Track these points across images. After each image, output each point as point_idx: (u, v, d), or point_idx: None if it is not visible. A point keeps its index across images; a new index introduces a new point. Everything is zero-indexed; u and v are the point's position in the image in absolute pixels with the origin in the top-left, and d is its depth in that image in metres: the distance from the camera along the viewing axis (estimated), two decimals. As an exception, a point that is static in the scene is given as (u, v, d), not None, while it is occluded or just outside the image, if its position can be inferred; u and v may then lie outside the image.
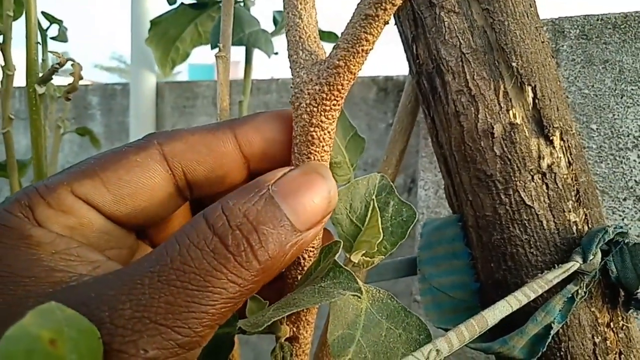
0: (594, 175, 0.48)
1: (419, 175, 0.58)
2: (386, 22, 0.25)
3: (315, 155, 0.29)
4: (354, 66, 0.27)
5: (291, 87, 0.29)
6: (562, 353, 0.35)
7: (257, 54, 0.79)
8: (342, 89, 0.27)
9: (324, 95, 0.28)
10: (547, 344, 0.34)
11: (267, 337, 1.02)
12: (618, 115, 0.47)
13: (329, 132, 0.29)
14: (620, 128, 0.47)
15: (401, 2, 0.24)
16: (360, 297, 0.28)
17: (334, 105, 0.28)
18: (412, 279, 0.67)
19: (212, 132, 0.24)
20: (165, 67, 1.01)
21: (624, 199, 0.47)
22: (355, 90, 0.86)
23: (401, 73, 0.82)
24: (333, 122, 0.29)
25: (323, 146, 0.29)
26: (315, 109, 0.28)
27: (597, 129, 0.47)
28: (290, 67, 0.29)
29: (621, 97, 0.46)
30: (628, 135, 0.46)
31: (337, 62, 0.26)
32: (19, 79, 0.73)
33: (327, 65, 0.27)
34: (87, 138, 0.98)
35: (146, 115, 1.05)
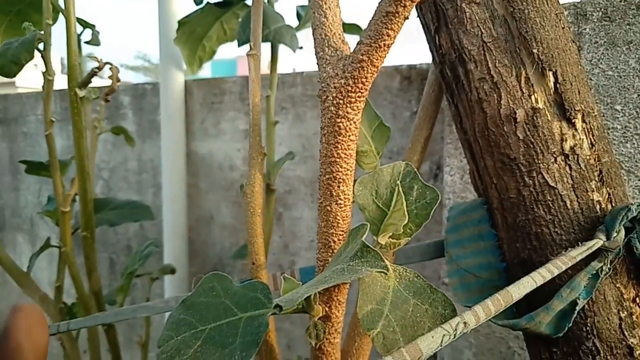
0: (619, 155, 0.49)
1: (445, 162, 0.59)
2: (406, 18, 0.27)
3: (342, 144, 0.31)
4: (376, 60, 0.28)
5: (318, 82, 0.31)
6: (588, 328, 0.36)
7: (280, 48, 0.80)
8: (366, 81, 0.29)
9: (349, 88, 0.29)
10: (572, 319, 0.35)
11: (299, 324, 1.04)
12: (643, 96, 0.47)
13: (354, 122, 0.31)
14: (645, 108, 0.47)
15: (420, -3, 0.26)
16: (386, 274, 0.30)
17: (358, 97, 0.30)
18: (440, 263, 0.68)
19: None
20: (193, 65, 1.04)
21: (651, 179, 0.47)
22: (379, 79, 0.87)
23: (424, 61, 0.83)
24: (358, 113, 0.31)
25: (349, 136, 0.31)
26: (341, 101, 0.30)
27: (621, 109, 0.48)
28: (317, 63, 0.31)
29: (645, 77, 0.47)
30: (653, 115, 0.47)
31: (361, 57, 0.28)
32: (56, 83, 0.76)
33: (352, 60, 0.29)
34: (121, 137, 1.02)
35: (176, 113, 1.08)
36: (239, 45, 0.78)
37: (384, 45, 0.28)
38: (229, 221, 1.08)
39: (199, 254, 1.13)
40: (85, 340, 0.79)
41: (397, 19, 0.27)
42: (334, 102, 0.30)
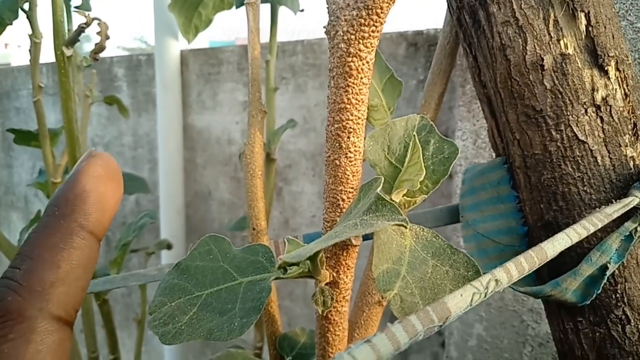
0: (647, 115, 0.45)
1: (457, 126, 0.56)
2: None
3: (354, 88, 0.28)
4: (395, -16, 0.25)
5: (328, 18, 0.28)
6: (617, 295, 0.33)
7: (282, 13, 0.76)
8: (382, 12, 0.26)
9: (362, 21, 0.26)
10: (601, 285, 0.32)
11: (300, 301, 1.02)
12: (674, 49, 0.43)
13: (367, 62, 0.27)
14: (676, 63, 0.43)
15: None
16: (405, 227, 0.27)
17: (372, 32, 0.26)
18: (454, 229, 0.65)
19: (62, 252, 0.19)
20: (188, 34, 0.99)
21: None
22: (383, 46, 0.83)
23: (432, 27, 0.79)
24: (372, 50, 0.27)
25: (362, 78, 0.28)
26: (352, 37, 0.26)
27: (650, 65, 0.44)
28: (326, -7, 0.27)
29: (678, 29, 0.43)
30: (685, 71, 0.43)
31: (377, -19, 0.25)
32: (46, 54, 0.73)
33: (366, -14, 0.25)
34: (115, 111, 0.98)
35: (172, 84, 1.04)
36: (237, 7, 0.73)
37: (403, -33, 0.24)
38: (227, 197, 1.05)
39: (197, 230, 1.10)
40: (80, 317, 0.77)
41: None
42: (345, 37, 0.27)
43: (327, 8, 0.27)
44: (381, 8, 0.26)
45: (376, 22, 0.26)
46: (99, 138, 1.21)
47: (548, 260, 0.24)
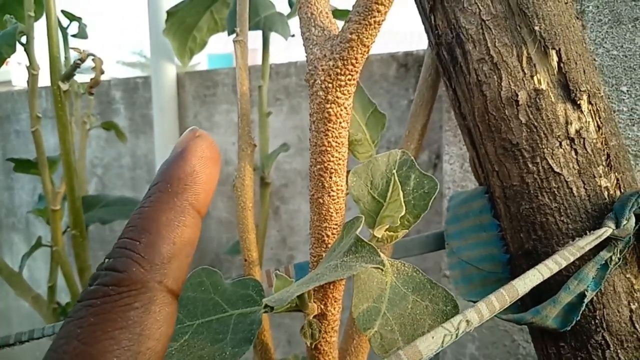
0: (626, 139, 0.46)
1: (444, 150, 0.57)
2: (398, -9, 0.25)
3: (333, 132, 0.29)
4: (367, 39, 0.26)
5: (307, 68, 0.29)
6: (597, 321, 0.34)
7: (274, 39, 0.78)
8: (357, 62, 0.27)
9: (339, 70, 0.27)
10: (581, 312, 0.33)
11: (299, 319, 1.03)
12: (650, 75, 0.45)
13: (345, 107, 0.29)
14: (652, 88, 0.45)
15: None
16: (382, 269, 0.28)
17: (349, 80, 0.28)
18: (441, 254, 0.66)
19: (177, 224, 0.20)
20: (183, 57, 1.01)
21: (659, 162, 0.45)
22: (375, 67, 0.85)
23: (421, 48, 0.81)
24: (349, 97, 0.29)
25: (340, 122, 0.29)
26: (330, 85, 0.28)
27: (627, 91, 0.46)
28: (304, 45, 0.29)
29: (653, 56, 0.44)
30: (661, 96, 0.44)
31: (350, 36, 0.26)
32: (45, 79, 0.74)
33: (340, 40, 0.27)
34: (114, 133, 0.99)
35: (168, 106, 1.06)
36: (229, 34, 0.75)
37: (374, 22, 0.26)
38: (225, 216, 1.06)
39: (196, 250, 1.11)
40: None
41: (387, -7, 0.25)
42: (323, 86, 0.28)
43: (306, 57, 0.29)
44: (356, 59, 0.27)
45: (352, 71, 0.27)
46: (98, 160, 1.23)
47: (519, 297, 0.25)
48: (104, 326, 0.16)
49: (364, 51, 0.27)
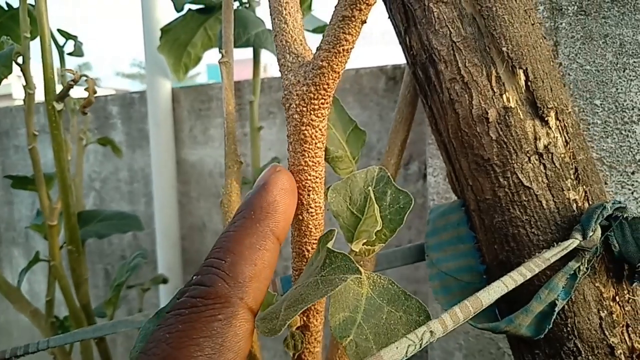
0: (600, 150, 0.48)
1: (428, 162, 0.59)
2: (363, 22, 0.26)
3: (309, 152, 0.31)
4: (337, 65, 0.28)
5: (283, 92, 0.31)
6: (568, 329, 0.35)
7: (267, 53, 0.80)
8: (329, 88, 0.29)
9: (312, 95, 0.29)
10: (552, 320, 0.34)
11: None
12: (621, 89, 0.46)
13: (320, 129, 0.30)
14: (624, 102, 0.46)
15: (375, 1, 0.25)
16: (360, 278, 0.29)
17: (322, 104, 0.29)
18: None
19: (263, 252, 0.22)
20: (178, 73, 1.03)
21: (632, 173, 0.46)
22: (364, 80, 0.86)
23: (409, 61, 0.83)
24: (323, 119, 0.30)
25: (316, 143, 0.31)
26: (304, 109, 0.29)
27: (600, 104, 0.47)
28: (280, 71, 0.30)
29: (623, 71, 0.46)
30: (632, 109, 0.46)
31: (321, 63, 0.28)
32: (42, 94, 0.76)
33: (312, 67, 0.28)
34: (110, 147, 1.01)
35: (164, 121, 1.08)
36: (219, 50, 0.77)
37: (343, 50, 0.27)
38: (221, 228, 1.08)
39: (193, 262, 1.12)
40: (79, 353, 0.79)
41: (354, 23, 0.26)
42: (298, 109, 0.30)
43: (282, 83, 0.30)
44: (327, 84, 0.29)
45: (324, 95, 0.29)
46: (96, 174, 1.24)
47: (483, 308, 0.26)
48: (190, 333, 0.18)
49: (335, 77, 0.28)
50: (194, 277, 0.20)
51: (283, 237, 0.22)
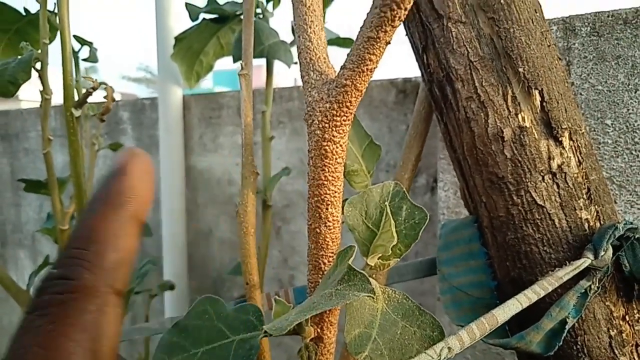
0: (610, 170, 0.49)
1: (439, 177, 0.59)
2: (388, 43, 0.27)
3: (330, 167, 0.31)
4: (360, 84, 0.29)
5: (306, 109, 0.32)
6: (578, 346, 0.36)
7: (278, 62, 0.81)
8: (351, 105, 0.30)
9: (335, 112, 0.30)
10: (563, 338, 0.35)
11: (299, 338, 1.04)
12: (632, 110, 0.47)
13: (341, 145, 0.31)
14: (635, 122, 0.47)
15: (400, 24, 0.26)
16: (373, 297, 0.30)
17: (344, 120, 0.30)
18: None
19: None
20: (190, 80, 1.05)
21: (642, 193, 0.47)
22: (374, 93, 0.87)
23: (419, 75, 0.83)
24: (344, 136, 0.31)
25: (336, 158, 0.31)
26: (327, 125, 0.30)
27: (611, 124, 0.48)
28: (303, 87, 0.31)
29: (635, 92, 0.47)
30: (643, 130, 0.47)
31: (345, 82, 0.29)
32: (53, 99, 0.77)
33: (336, 85, 0.29)
34: (120, 152, 1.02)
35: (174, 127, 1.09)
36: (234, 61, 0.78)
37: (367, 69, 0.28)
38: (228, 236, 1.08)
39: (199, 269, 1.13)
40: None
41: (378, 44, 0.27)
42: (320, 126, 0.31)
43: (305, 99, 0.31)
44: (350, 102, 0.29)
45: (346, 113, 0.30)
46: (105, 178, 1.25)
47: (499, 325, 0.27)
48: (64, 331, 0.18)
49: (358, 95, 0.29)
50: (54, 271, 0.19)
51: (143, 220, 0.22)
